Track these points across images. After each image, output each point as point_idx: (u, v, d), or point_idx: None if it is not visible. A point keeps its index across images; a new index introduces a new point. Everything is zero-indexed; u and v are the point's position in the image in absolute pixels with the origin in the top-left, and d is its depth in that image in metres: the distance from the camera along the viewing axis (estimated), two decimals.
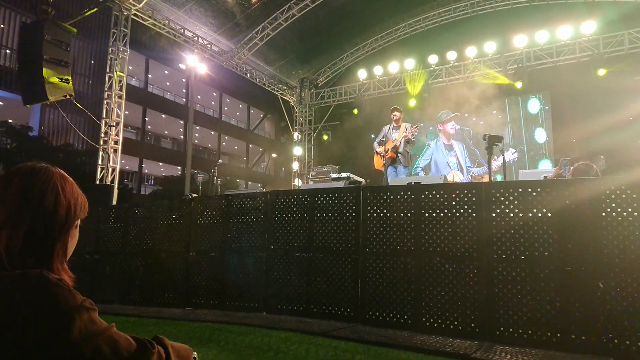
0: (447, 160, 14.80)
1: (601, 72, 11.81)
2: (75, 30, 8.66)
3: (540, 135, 14.00)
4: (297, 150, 17.75)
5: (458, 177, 12.68)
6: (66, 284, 0.86)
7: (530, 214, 3.70)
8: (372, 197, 4.48)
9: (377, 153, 7.94)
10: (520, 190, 3.79)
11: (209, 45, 14.41)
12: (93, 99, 19.72)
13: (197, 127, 28.17)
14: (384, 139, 7.90)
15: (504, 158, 5.83)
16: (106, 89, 11.41)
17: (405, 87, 14.75)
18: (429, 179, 6.50)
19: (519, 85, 12.94)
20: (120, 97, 11.47)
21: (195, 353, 1.07)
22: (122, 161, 12.73)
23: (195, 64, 14.05)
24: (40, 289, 0.82)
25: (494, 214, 3.84)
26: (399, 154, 7.65)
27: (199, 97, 29.27)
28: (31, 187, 0.94)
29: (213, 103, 32.09)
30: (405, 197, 4.29)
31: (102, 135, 11.36)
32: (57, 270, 0.94)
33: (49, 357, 0.78)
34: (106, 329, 0.86)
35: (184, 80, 27.73)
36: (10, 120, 17.67)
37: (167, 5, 12.53)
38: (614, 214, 3.41)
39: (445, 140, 15.02)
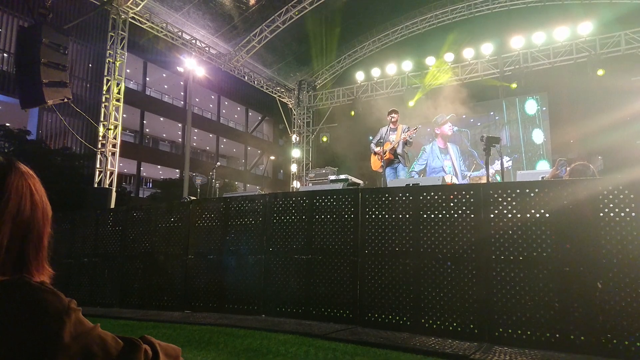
0: (442, 165, 14.81)
1: (600, 72, 11.86)
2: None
3: (538, 136, 14.04)
4: (296, 153, 17.75)
5: (454, 181, 12.70)
6: (49, 286, 0.83)
7: (528, 215, 3.71)
8: (370, 198, 4.48)
9: (376, 153, 7.95)
10: (518, 191, 3.80)
11: (207, 48, 14.43)
12: (91, 102, 19.72)
13: (195, 130, 28.14)
14: (381, 140, 7.91)
15: (502, 160, 5.85)
16: (104, 92, 11.41)
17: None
18: (427, 181, 6.52)
19: (514, 85, 12.99)
20: (118, 100, 11.47)
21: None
22: (120, 164, 12.72)
23: (193, 66, 14.07)
24: (25, 296, 0.79)
25: (492, 215, 3.85)
26: (398, 156, 7.66)
27: (197, 99, 29.26)
28: (6, 188, 0.88)
29: (211, 106, 32.07)
30: (404, 198, 4.30)
31: (100, 138, 11.35)
32: (42, 272, 0.91)
33: None
34: (93, 328, 0.84)
35: (182, 83, 27.72)
36: (8, 124, 17.64)
37: (165, 9, 12.55)
38: (611, 214, 3.42)
39: (442, 144, 15.04)
